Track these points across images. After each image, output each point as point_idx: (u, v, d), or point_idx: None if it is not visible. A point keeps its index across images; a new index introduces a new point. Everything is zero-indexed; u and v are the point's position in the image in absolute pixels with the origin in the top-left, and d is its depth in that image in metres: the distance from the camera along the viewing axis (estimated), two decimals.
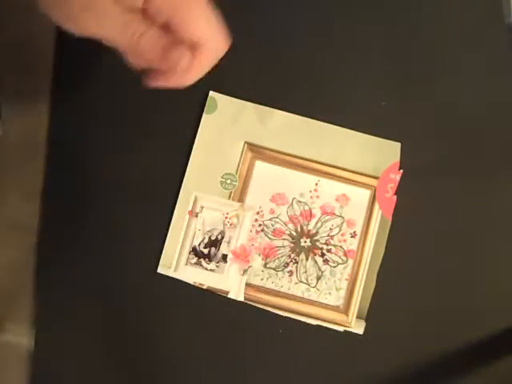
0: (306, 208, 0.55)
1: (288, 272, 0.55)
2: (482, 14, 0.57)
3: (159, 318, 0.54)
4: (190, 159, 0.55)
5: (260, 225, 0.55)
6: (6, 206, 0.56)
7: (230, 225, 0.55)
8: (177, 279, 0.54)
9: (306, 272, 0.55)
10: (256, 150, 0.55)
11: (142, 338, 0.54)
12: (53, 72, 0.57)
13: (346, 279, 0.55)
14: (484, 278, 0.55)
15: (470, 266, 0.55)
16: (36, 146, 0.56)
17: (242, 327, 0.54)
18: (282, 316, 0.54)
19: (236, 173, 0.55)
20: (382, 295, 0.54)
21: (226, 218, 0.55)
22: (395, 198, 0.55)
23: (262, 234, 0.55)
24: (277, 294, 0.55)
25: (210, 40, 0.41)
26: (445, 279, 0.55)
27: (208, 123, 0.56)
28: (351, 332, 0.54)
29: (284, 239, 0.55)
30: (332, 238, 0.55)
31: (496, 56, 0.56)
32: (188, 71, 0.41)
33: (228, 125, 0.56)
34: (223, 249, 0.55)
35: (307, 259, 0.55)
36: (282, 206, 0.55)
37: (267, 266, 0.55)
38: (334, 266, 0.55)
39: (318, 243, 0.55)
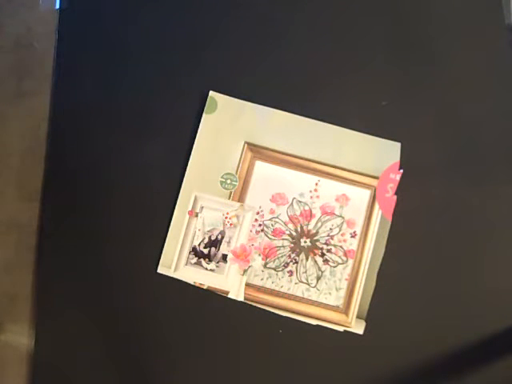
0: (306, 208, 0.55)
1: (288, 272, 0.55)
2: (482, 14, 0.57)
3: (159, 318, 0.54)
4: (190, 159, 0.55)
5: (260, 225, 0.55)
6: (6, 205, 0.56)
7: (230, 225, 0.55)
8: (177, 279, 0.55)
9: (306, 272, 0.55)
10: (256, 150, 0.55)
11: (142, 337, 0.54)
12: (53, 73, 0.57)
13: (346, 279, 0.55)
14: (484, 278, 0.55)
15: (470, 266, 0.55)
16: (36, 145, 0.56)
17: (242, 327, 0.54)
18: (282, 316, 0.54)
19: (236, 173, 0.55)
20: (382, 295, 0.54)
21: (226, 218, 0.55)
22: (395, 197, 0.55)
23: (262, 234, 0.55)
24: (277, 294, 0.55)
25: None
26: (444, 279, 0.55)
27: (208, 123, 0.56)
28: (351, 332, 0.54)
29: (284, 239, 0.55)
30: (332, 238, 0.55)
31: (496, 56, 0.57)
32: None
33: (228, 125, 0.56)
34: (223, 249, 0.55)
35: (307, 259, 0.55)
36: (281, 206, 0.55)
37: (267, 266, 0.55)
38: (334, 266, 0.55)
39: (318, 243, 0.55)
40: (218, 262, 0.55)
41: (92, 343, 0.54)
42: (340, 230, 0.55)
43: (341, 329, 0.54)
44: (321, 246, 0.55)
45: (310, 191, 0.55)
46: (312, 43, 0.57)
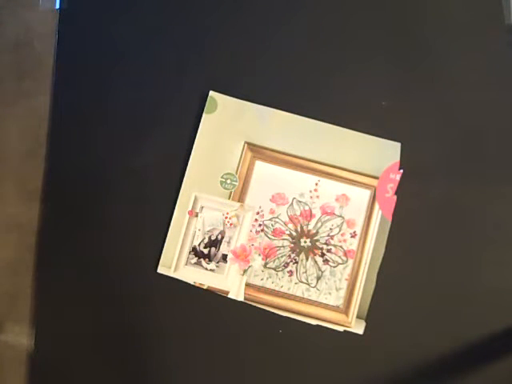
0: (306, 208, 0.55)
1: (288, 272, 0.55)
2: (482, 14, 0.57)
3: (159, 318, 0.54)
4: (190, 159, 0.55)
5: (260, 225, 0.55)
6: (6, 205, 0.56)
7: (230, 225, 0.55)
8: (177, 279, 0.55)
9: (306, 272, 0.55)
10: (256, 150, 0.55)
11: (142, 337, 0.54)
12: (53, 73, 0.57)
13: (346, 279, 0.55)
14: (483, 278, 0.55)
15: (470, 266, 0.55)
16: (36, 145, 0.56)
17: (242, 327, 0.54)
18: (282, 316, 0.54)
19: (236, 173, 0.55)
20: (382, 295, 0.54)
21: (226, 217, 0.55)
22: (395, 197, 0.55)
23: (262, 233, 0.55)
24: (277, 294, 0.55)
25: None
26: (444, 279, 0.55)
27: (208, 123, 0.56)
28: (351, 332, 0.54)
29: (284, 239, 0.55)
30: (332, 238, 0.55)
31: (496, 56, 0.57)
32: None
33: (228, 125, 0.56)
34: (223, 249, 0.55)
35: (307, 259, 0.55)
36: (282, 206, 0.55)
37: (267, 266, 0.55)
38: (334, 266, 0.55)
39: (318, 243, 0.55)
40: (218, 262, 0.55)
41: (92, 343, 0.54)
42: (340, 230, 0.55)
43: (341, 329, 0.54)
44: (321, 246, 0.55)
45: (310, 191, 0.55)
46: (312, 43, 0.57)
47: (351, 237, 0.55)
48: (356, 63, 0.56)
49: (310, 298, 0.55)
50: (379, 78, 0.56)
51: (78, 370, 0.54)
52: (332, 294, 0.55)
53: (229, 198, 0.55)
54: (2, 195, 0.56)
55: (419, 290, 0.54)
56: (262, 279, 0.55)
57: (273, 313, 0.54)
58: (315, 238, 0.55)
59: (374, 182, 0.55)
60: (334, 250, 0.55)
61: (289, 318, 0.54)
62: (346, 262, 0.55)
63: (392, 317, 0.54)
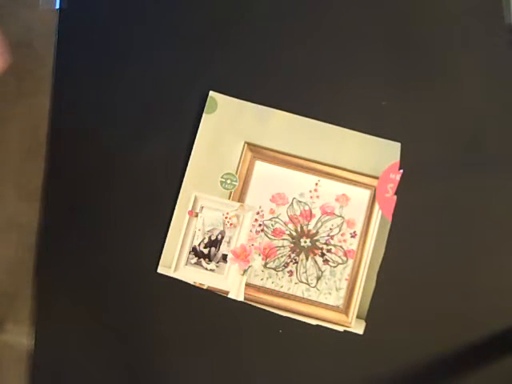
0: (306, 208, 0.55)
1: (288, 272, 0.55)
2: (482, 14, 0.57)
3: (159, 318, 0.54)
4: (190, 159, 0.55)
5: (260, 225, 0.55)
6: (6, 205, 0.56)
7: (230, 225, 0.55)
8: (177, 279, 0.55)
9: (306, 272, 0.55)
10: (256, 150, 0.55)
11: (142, 337, 0.54)
12: (53, 73, 0.57)
13: (346, 279, 0.55)
14: (484, 278, 0.55)
15: (470, 266, 0.55)
16: (36, 145, 0.56)
17: (242, 327, 0.54)
18: (282, 316, 0.54)
19: (236, 173, 0.55)
20: (382, 295, 0.54)
21: (226, 218, 0.55)
22: (395, 197, 0.55)
23: (262, 234, 0.55)
24: (277, 293, 0.55)
25: None
26: (444, 279, 0.55)
27: (208, 123, 0.56)
28: (351, 332, 0.54)
29: (284, 239, 0.55)
30: (332, 238, 0.55)
31: (496, 56, 0.57)
32: None
33: (228, 125, 0.56)
34: (223, 249, 0.55)
35: (307, 259, 0.55)
36: (282, 206, 0.55)
37: (267, 266, 0.55)
38: (334, 266, 0.55)
39: (318, 243, 0.55)
40: (218, 262, 0.55)
41: (92, 343, 0.54)
42: (340, 230, 0.55)
43: (341, 329, 0.54)
44: (321, 246, 0.55)
45: (310, 191, 0.55)
46: (312, 43, 0.57)
47: (351, 237, 0.55)
48: (356, 63, 0.56)
49: (309, 298, 0.55)
50: (379, 78, 0.56)
51: (77, 369, 0.54)
52: (332, 294, 0.55)
53: (229, 198, 0.55)
54: (1, 195, 0.56)
55: (419, 289, 0.54)
56: (262, 279, 0.55)
57: (273, 313, 0.54)
58: (315, 238, 0.55)
59: (374, 182, 0.55)
60: (334, 250, 0.55)
61: (289, 317, 0.54)
62: (346, 261, 0.55)
63: (392, 317, 0.54)
